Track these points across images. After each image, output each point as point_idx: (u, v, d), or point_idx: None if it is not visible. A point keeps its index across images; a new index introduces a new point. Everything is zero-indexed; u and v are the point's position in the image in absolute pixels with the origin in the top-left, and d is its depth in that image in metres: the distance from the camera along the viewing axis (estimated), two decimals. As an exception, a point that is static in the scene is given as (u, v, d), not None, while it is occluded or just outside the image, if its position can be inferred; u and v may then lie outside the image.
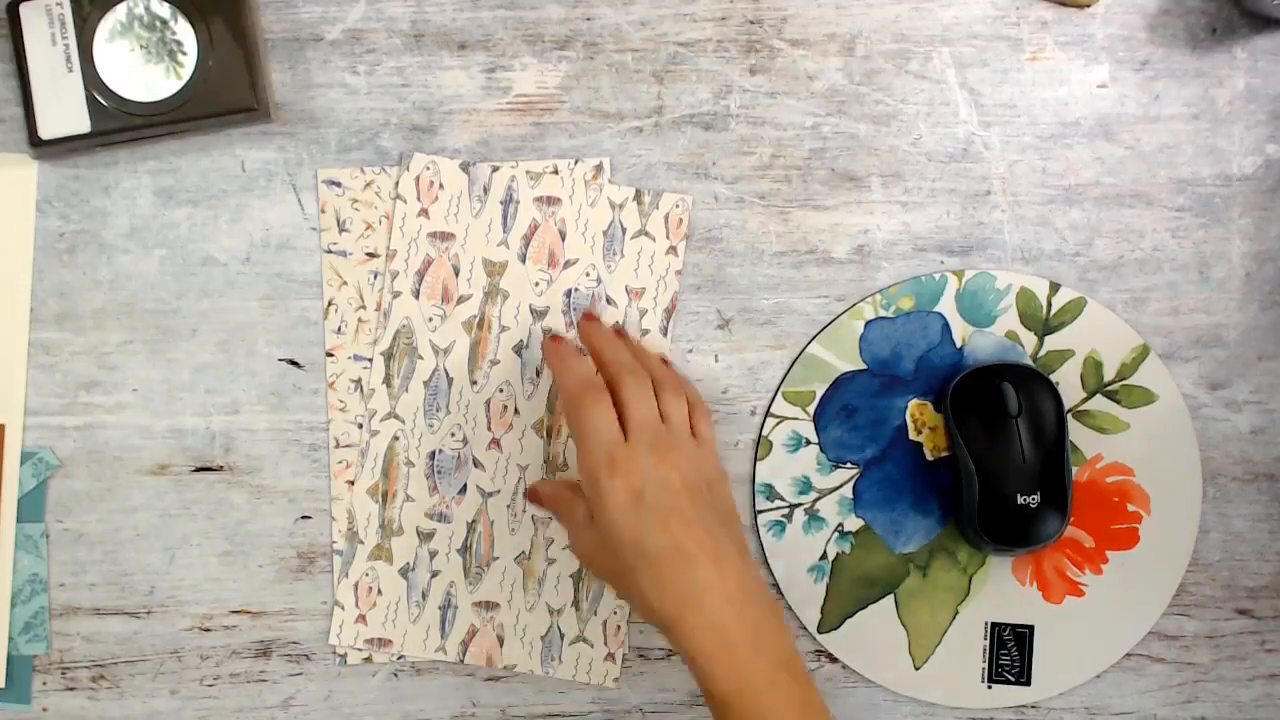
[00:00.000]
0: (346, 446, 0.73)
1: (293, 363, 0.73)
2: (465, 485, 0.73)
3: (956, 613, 0.74)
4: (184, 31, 0.69)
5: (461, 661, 0.73)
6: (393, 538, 0.73)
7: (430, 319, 0.72)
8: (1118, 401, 0.73)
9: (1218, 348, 0.73)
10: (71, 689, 0.74)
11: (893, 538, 0.73)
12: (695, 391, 0.72)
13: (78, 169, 0.72)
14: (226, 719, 0.74)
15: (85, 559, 0.73)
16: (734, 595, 0.63)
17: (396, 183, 0.72)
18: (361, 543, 0.73)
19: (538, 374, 0.73)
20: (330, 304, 0.72)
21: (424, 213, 0.72)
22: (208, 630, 0.74)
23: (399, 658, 0.73)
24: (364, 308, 0.72)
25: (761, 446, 0.73)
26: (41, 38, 0.69)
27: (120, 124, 0.69)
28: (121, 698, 0.74)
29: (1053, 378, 0.72)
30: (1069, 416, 0.73)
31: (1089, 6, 0.72)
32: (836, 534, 0.73)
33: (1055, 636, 0.73)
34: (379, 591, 0.73)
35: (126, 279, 0.73)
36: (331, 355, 0.73)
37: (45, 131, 0.69)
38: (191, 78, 0.69)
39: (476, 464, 0.73)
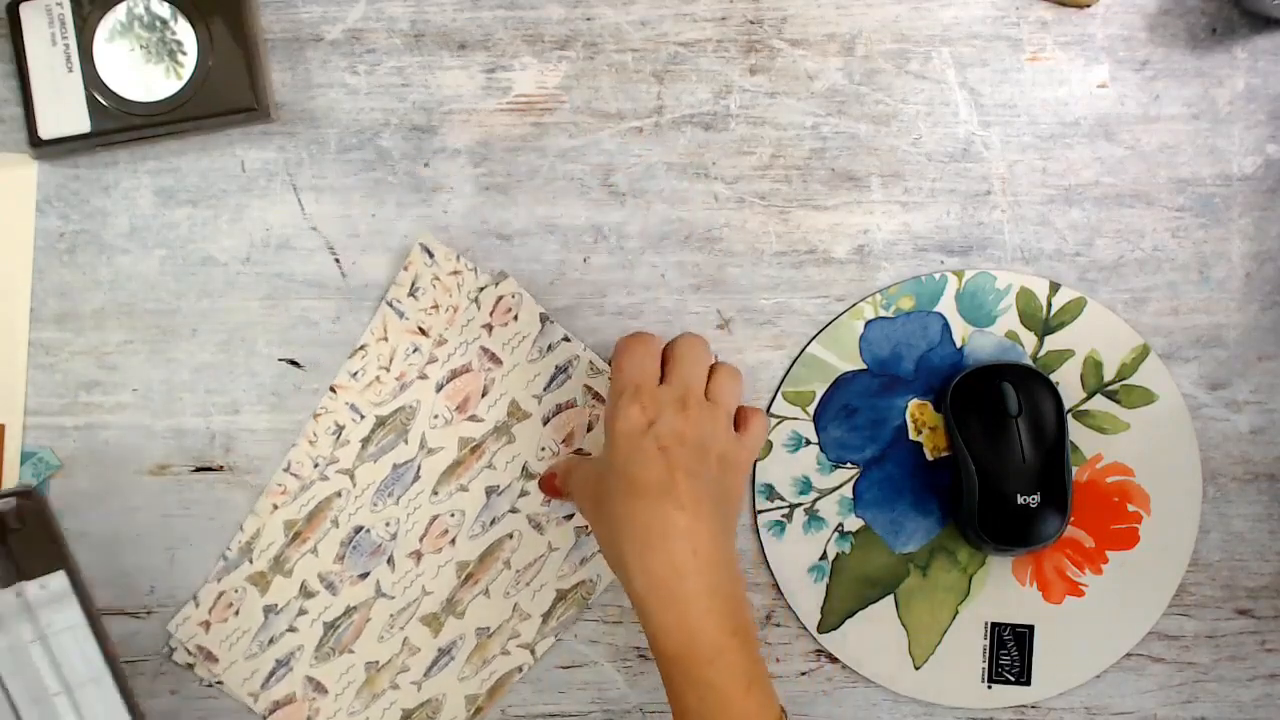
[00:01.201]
0: (293, 475, 0.73)
1: (293, 363, 0.73)
2: (369, 573, 0.73)
3: (956, 613, 0.74)
4: (184, 31, 0.69)
5: (265, 718, 0.73)
6: (278, 575, 0.73)
7: (436, 416, 0.72)
8: (1118, 401, 0.73)
9: (1218, 348, 0.73)
10: (71, 689, 0.74)
11: (893, 538, 0.73)
12: (759, 409, 0.71)
13: (78, 169, 0.72)
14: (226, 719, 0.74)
15: (85, 559, 0.73)
16: (702, 548, 0.60)
17: (480, 289, 0.72)
18: (250, 562, 0.73)
19: (492, 523, 0.73)
20: (362, 348, 0.72)
21: (488, 328, 0.72)
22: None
23: (217, 683, 0.73)
24: (387, 370, 0.72)
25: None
26: (41, 38, 0.69)
27: (120, 124, 0.69)
28: (121, 698, 0.74)
29: (1053, 378, 0.72)
30: (1069, 416, 0.73)
31: (1089, 6, 0.72)
32: (836, 534, 0.73)
33: (1055, 636, 0.73)
34: (236, 612, 0.73)
35: (126, 279, 0.73)
36: (334, 392, 0.72)
37: (45, 131, 0.69)
38: (191, 78, 0.69)
39: (390, 561, 0.73)
